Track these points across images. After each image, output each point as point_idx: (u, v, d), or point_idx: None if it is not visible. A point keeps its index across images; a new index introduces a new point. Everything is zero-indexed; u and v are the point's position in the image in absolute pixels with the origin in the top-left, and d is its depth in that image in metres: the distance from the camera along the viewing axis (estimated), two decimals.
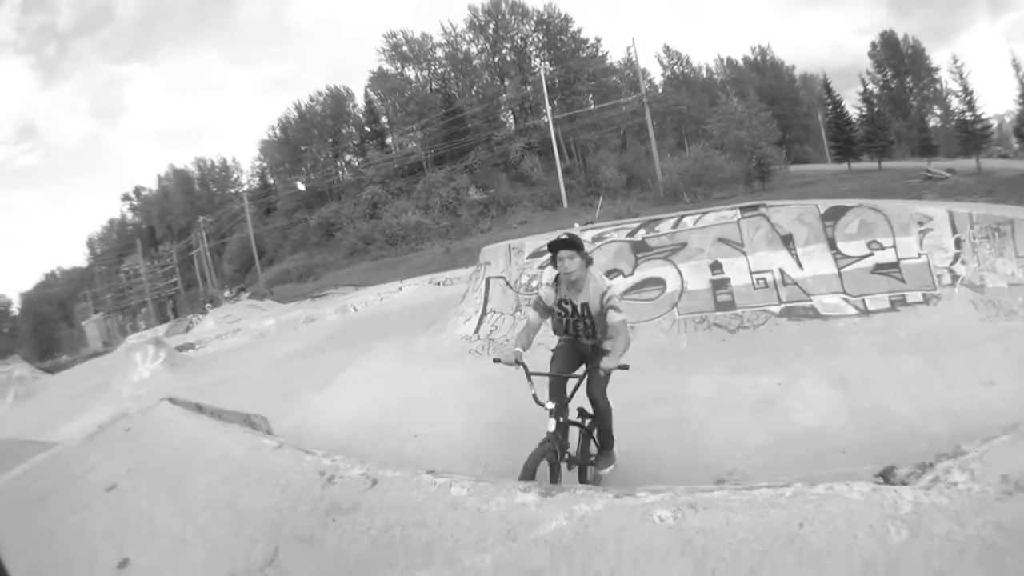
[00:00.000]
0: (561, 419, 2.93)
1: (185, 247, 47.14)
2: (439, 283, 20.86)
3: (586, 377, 3.05)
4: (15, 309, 56.23)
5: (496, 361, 3.09)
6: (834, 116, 39.34)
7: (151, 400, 3.26)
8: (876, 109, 38.54)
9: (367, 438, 5.02)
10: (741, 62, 48.47)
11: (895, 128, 38.59)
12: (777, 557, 1.32)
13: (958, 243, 6.23)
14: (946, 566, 1.30)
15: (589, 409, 3.25)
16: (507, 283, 8.38)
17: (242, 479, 2.10)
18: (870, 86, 40.13)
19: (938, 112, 38.88)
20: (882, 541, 1.35)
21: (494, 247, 8.99)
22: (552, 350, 3.31)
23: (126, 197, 57.59)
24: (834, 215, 6.82)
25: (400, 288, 21.77)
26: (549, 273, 7.50)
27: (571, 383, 3.09)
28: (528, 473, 2.57)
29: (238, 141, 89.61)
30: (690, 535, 1.37)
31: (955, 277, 6.10)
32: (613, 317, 3.00)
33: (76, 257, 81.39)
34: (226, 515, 1.94)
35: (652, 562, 1.33)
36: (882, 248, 6.47)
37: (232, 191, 51.47)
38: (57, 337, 48.22)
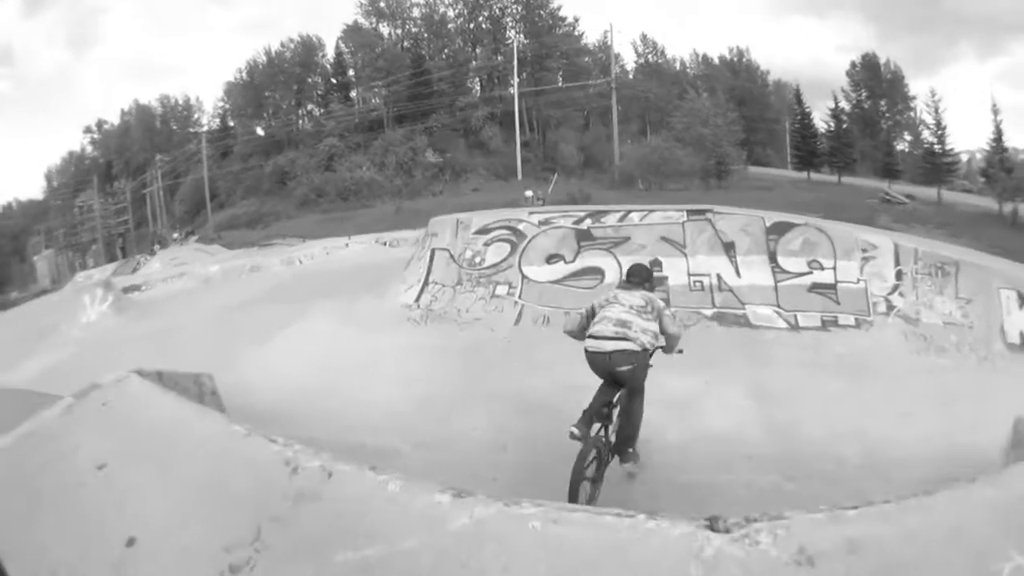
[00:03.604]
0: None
1: (139, 185, 45.78)
2: (386, 243, 20.65)
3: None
4: None
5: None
6: (801, 126, 40.08)
7: (121, 371, 3.37)
8: (844, 126, 39.23)
9: (305, 401, 5.13)
10: (716, 60, 47.84)
11: (860, 147, 39.13)
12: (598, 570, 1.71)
13: (899, 275, 6.49)
14: None
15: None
16: (451, 256, 8.41)
17: (223, 464, 2.39)
18: (842, 103, 40.64)
19: (907, 138, 39.30)
20: None
21: (442, 219, 9.00)
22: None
23: (88, 130, 53.33)
24: (779, 230, 7.07)
25: (347, 244, 21.59)
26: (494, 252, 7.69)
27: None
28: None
29: (205, 81, 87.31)
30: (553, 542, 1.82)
31: (891, 307, 6.35)
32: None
33: (34, 189, 76.34)
34: (214, 496, 2.24)
35: (524, 558, 1.80)
36: (822, 268, 6.75)
37: (192, 131, 49.08)
38: (8, 272, 45.61)
